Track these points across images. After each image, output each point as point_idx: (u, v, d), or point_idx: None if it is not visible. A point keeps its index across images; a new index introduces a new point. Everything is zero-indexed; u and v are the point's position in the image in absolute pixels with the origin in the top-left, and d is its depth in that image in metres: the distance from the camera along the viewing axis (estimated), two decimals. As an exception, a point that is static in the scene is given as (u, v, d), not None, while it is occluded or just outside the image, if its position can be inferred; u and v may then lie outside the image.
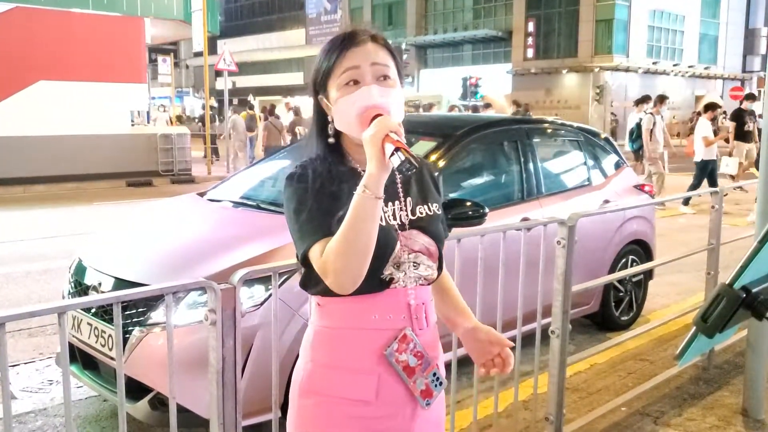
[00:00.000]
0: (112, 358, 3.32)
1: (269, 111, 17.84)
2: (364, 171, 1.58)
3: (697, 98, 47.90)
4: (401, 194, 1.67)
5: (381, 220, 1.58)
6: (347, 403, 1.59)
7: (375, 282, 1.56)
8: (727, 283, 1.12)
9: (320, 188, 1.55)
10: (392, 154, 1.40)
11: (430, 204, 1.70)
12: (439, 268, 1.71)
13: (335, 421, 1.59)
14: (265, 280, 3.08)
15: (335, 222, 1.50)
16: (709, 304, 1.12)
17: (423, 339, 1.64)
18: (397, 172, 1.49)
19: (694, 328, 1.15)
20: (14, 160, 14.50)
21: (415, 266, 1.63)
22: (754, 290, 1.12)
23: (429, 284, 1.68)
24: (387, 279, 1.59)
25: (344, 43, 1.59)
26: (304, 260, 1.55)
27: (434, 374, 1.65)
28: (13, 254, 8.12)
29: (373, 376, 1.59)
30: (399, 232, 1.62)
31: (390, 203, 1.63)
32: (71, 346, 3.64)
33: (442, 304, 1.82)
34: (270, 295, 3.14)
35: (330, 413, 1.59)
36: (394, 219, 1.63)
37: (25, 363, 4.64)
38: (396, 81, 1.62)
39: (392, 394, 1.61)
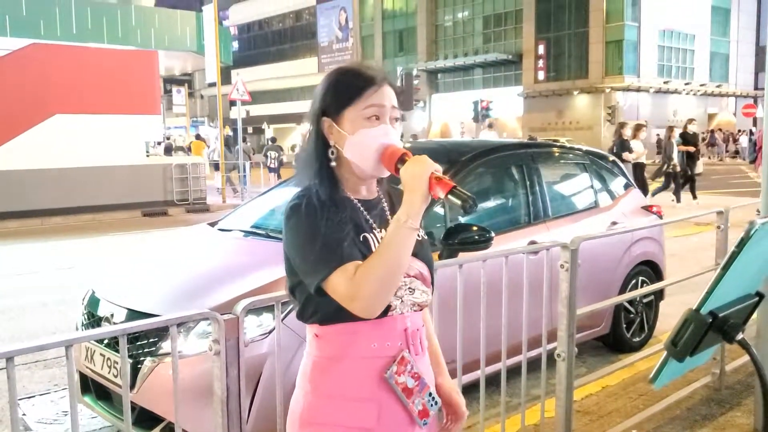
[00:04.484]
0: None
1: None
2: (357, 199, 1.64)
3: (710, 116, 47.81)
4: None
5: (374, 247, 1.64)
6: (349, 431, 1.62)
7: None
8: (694, 308, 1.16)
9: (329, 217, 1.58)
10: (448, 194, 1.51)
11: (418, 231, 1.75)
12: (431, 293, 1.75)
13: None
14: (273, 308, 3.12)
15: (346, 249, 1.55)
16: (678, 329, 1.16)
17: (418, 364, 1.68)
18: (460, 209, 1.54)
19: (666, 352, 1.18)
20: (32, 193, 14.71)
21: (410, 291, 1.67)
22: (721, 315, 1.15)
23: (421, 310, 1.72)
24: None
25: (369, 78, 1.65)
26: (318, 289, 1.56)
27: (429, 394, 1.70)
28: (30, 285, 8.22)
29: (374, 403, 1.62)
30: None
31: (382, 230, 1.68)
32: (85, 377, 3.70)
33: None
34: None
35: None
36: None
37: (41, 394, 4.70)
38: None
39: (393, 419, 1.64)
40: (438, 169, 1.55)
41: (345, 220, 1.59)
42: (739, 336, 1.19)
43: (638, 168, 12.84)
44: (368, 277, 1.50)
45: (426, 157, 1.57)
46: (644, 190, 12.91)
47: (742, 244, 1.14)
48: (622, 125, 13.25)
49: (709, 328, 1.14)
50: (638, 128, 13.47)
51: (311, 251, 1.56)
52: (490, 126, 15.08)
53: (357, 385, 1.62)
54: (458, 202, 1.51)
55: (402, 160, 1.60)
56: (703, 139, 41.32)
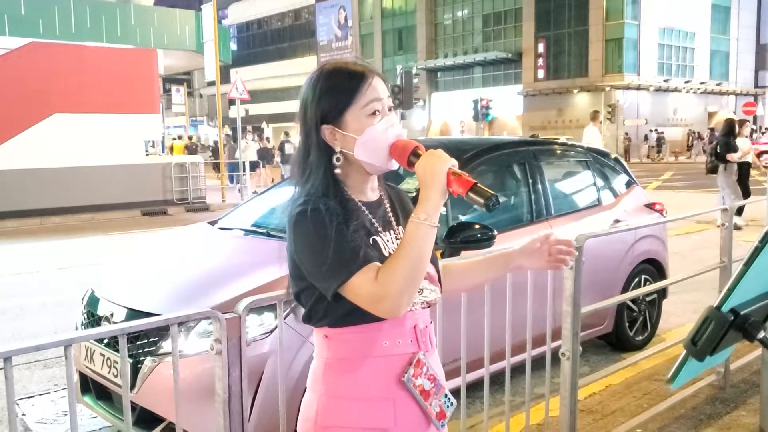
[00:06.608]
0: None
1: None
2: (360, 201, 1.60)
3: (710, 114, 47.85)
4: (394, 223, 1.70)
5: (384, 250, 1.61)
6: None
7: None
8: (715, 306, 1.12)
9: (339, 222, 1.53)
10: (469, 191, 1.49)
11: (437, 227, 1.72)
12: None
13: None
14: (275, 307, 3.09)
15: (365, 252, 1.51)
16: (698, 327, 1.12)
17: (430, 362, 1.66)
18: (483, 207, 1.50)
19: (685, 351, 1.15)
20: (31, 193, 14.69)
21: (420, 292, 1.64)
22: (742, 312, 1.12)
23: (429, 307, 1.70)
24: None
25: (360, 74, 1.61)
26: (336, 294, 1.52)
27: (445, 395, 1.68)
28: (30, 285, 8.19)
29: (389, 402, 1.59)
30: None
31: (387, 232, 1.66)
32: (85, 377, 3.66)
33: (477, 275, 1.92)
34: (280, 323, 3.14)
35: None
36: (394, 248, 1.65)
37: (41, 394, 4.67)
38: None
39: (410, 419, 1.62)
40: (454, 163, 1.52)
41: (358, 227, 1.56)
42: (761, 334, 1.16)
43: (743, 167, 11.76)
44: (394, 277, 1.47)
45: (442, 150, 1.54)
46: (747, 191, 11.79)
47: (765, 239, 1.11)
48: (730, 122, 11.77)
49: (730, 326, 1.10)
50: (742, 124, 12.02)
51: (326, 256, 1.50)
52: (595, 120, 12.77)
53: (371, 385, 1.59)
54: (480, 200, 1.47)
55: (415, 153, 1.56)
56: (701, 138, 41.30)
